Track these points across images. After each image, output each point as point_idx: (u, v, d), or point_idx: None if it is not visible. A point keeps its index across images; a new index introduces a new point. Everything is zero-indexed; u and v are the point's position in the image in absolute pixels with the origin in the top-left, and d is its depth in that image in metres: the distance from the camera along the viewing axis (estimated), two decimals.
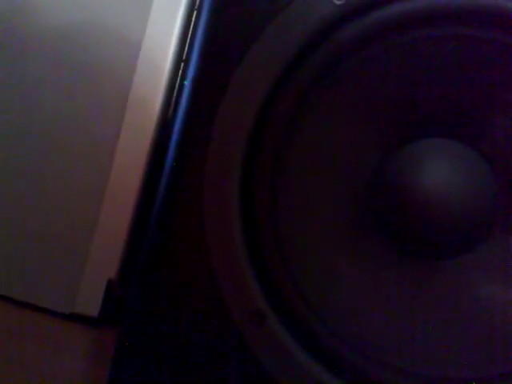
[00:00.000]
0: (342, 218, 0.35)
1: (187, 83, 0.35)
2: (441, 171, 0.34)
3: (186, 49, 0.39)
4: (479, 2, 0.31)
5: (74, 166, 0.39)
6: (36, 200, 0.39)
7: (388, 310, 0.34)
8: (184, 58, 0.39)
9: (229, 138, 0.33)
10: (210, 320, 0.33)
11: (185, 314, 0.34)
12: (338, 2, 0.31)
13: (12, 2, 0.40)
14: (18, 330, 0.39)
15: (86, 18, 0.40)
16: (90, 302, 0.38)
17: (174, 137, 0.35)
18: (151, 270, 0.35)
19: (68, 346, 0.39)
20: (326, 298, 0.33)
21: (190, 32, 0.39)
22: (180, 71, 0.40)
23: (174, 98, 0.40)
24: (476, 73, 0.33)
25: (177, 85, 0.39)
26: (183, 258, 0.34)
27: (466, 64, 0.33)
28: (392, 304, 0.34)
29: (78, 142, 0.39)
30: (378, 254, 0.35)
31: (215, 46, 0.34)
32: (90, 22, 0.40)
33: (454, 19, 0.32)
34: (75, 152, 0.39)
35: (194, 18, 0.40)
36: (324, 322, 0.33)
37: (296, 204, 0.34)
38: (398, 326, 0.33)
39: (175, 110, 0.38)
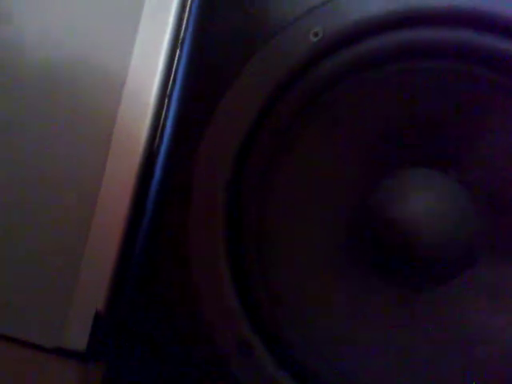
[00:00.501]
0: (329, 247, 0.35)
1: (171, 117, 0.36)
2: (425, 200, 0.35)
3: (171, 84, 0.40)
4: (460, 37, 0.32)
5: (61, 197, 0.39)
6: (22, 233, 0.39)
7: (376, 339, 0.34)
8: (168, 93, 0.40)
9: (213, 170, 0.34)
10: (197, 351, 0.33)
11: (171, 347, 0.34)
12: (313, 39, 0.32)
13: None
14: (3, 364, 0.38)
15: (70, 55, 0.40)
16: (77, 336, 0.38)
17: (158, 170, 0.36)
18: (137, 303, 0.35)
19: (55, 381, 0.38)
20: (313, 328, 0.33)
21: (174, 68, 0.40)
22: (165, 106, 0.40)
23: (158, 133, 0.40)
24: (460, 106, 0.34)
25: (161, 120, 0.40)
26: (168, 288, 0.34)
27: (450, 97, 0.34)
28: (380, 333, 0.34)
29: (64, 176, 0.39)
30: (366, 282, 0.35)
31: (198, 81, 0.35)
32: (74, 59, 0.40)
33: (435, 53, 0.33)
34: (61, 185, 0.39)
35: (177, 54, 0.40)
36: (312, 353, 0.33)
37: (282, 233, 0.34)
38: (386, 356, 0.33)
39: (160, 145, 0.38)
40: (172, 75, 0.40)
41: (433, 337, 0.34)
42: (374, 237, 0.35)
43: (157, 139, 0.40)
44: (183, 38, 0.40)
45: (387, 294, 0.35)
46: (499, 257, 0.34)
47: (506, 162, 0.34)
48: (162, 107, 0.40)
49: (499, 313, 0.34)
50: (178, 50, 0.40)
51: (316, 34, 0.32)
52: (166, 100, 0.40)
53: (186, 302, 0.34)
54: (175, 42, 0.40)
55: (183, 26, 0.40)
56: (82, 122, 0.40)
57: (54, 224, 0.39)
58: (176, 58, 0.40)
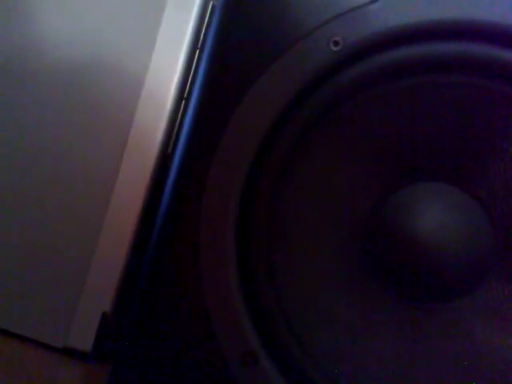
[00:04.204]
0: (340, 261, 0.35)
1: (188, 120, 0.36)
2: (438, 216, 0.34)
3: (188, 87, 0.40)
4: (478, 51, 0.32)
5: (73, 198, 0.39)
6: (32, 233, 0.39)
7: (384, 354, 0.33)
8: (185, 96, 0.40)
9: (226, 178, 0.33)
10: (203, 360, 0.33)
11: (177, 352, 0.33)
12: (334, 49, 0.32)
13: (19, 39, 0.41)
14: (10, 362, 0.38)
15: (91, 55, 0.40)
16: (84, 337, 0.38)
17: (173, 172, 0.36)
18: (144, 308, 0.34)
19: (61, 380, 0.38)
20: (320, 341, 0.33)
21: (192, 71, 0.40)
22: (181, 109, 0.40)
23: (174, 135, 0.40)
24: (475, 120, 0.34)
25: (177, 122, 0.40)
26: (177, 296, 0.34)
27: (465, 111, 0.33)
28: (388, 348, 0.33)
29: (77, 176, 0.39)
30: (375, 296, 0.34)
31: (216, 86, 0.35)
32: (95, 59, 0.40)
33: (453, 67, 0.32)
34: (74, 186, 0.39)
35: (196, 58, 0.40)
36: (318, 365, 0.32)
37: (292, 245, 0.34)
38: (393, 370, 0.33)
39: (175, 146, 0.38)
40: (190, 78, 0.40)
41: (440, 354, 0.33)
42: (386, 250, 0.35)
43: (171, 142, 0.40)
44: (203, 42, 0.40)
45: (396, 310, 0.35)
46: (507, 276, 0.34)
47: None
48: (179, 109, 0.40)
49: (507, 334, 0.33)
50: (196, 54, 0.40)
51: (337, 43, 0.32)
52: (183, 102, 0.40)
53: (193, 308, 0.33)
54: (195, 46, 0.40)
55: (203, 30, 0.40)
56: (99, 122, 0.40)
57: (65, 225, 0.39)
58: (195, 62, 0.40)
